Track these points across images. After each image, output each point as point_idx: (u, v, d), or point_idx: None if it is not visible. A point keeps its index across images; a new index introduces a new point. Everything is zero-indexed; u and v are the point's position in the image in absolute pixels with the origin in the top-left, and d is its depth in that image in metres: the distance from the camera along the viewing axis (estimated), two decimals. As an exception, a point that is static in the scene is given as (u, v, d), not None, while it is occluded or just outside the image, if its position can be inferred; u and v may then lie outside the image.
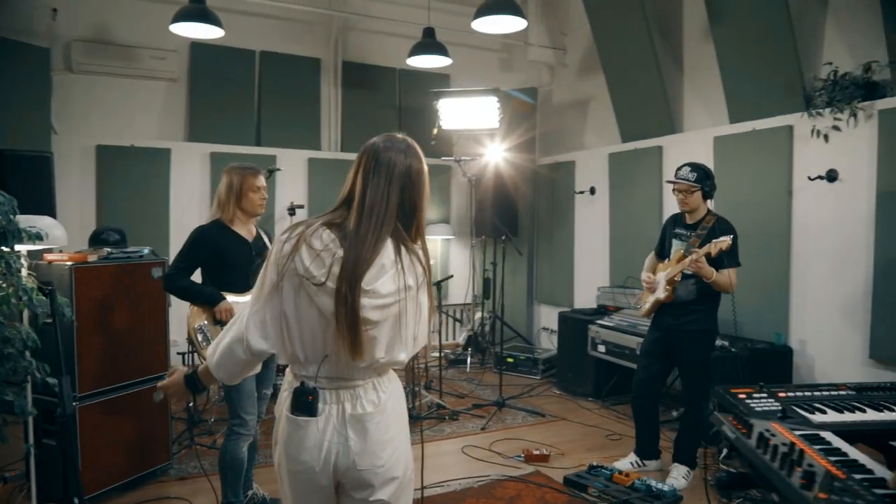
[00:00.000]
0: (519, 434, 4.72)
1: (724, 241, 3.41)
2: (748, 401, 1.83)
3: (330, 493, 1.74)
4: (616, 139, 6.38)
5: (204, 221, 3.27)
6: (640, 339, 4.86)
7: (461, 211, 7.53)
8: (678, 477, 3.78)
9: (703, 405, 3.80)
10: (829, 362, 4.48)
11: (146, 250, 3.86)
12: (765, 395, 1.86)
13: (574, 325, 5.76)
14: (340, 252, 1.61)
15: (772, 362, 4.54)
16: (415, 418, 4.79)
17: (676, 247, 3.85)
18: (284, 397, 1.75)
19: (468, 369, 6.62)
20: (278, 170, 5.55)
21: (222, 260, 3.15)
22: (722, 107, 5.32)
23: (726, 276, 3.57)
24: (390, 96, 7.21)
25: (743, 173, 5.03)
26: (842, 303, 4.40)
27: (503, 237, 6.64)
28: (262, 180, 3.27)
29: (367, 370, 1.70)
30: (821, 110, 4.48)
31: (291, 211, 5.91)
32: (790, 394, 1.94)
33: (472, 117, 6.37)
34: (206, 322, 3.12)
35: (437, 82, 7.25)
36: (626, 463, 4.01)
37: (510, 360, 6.46)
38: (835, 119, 4.40)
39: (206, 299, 3.11)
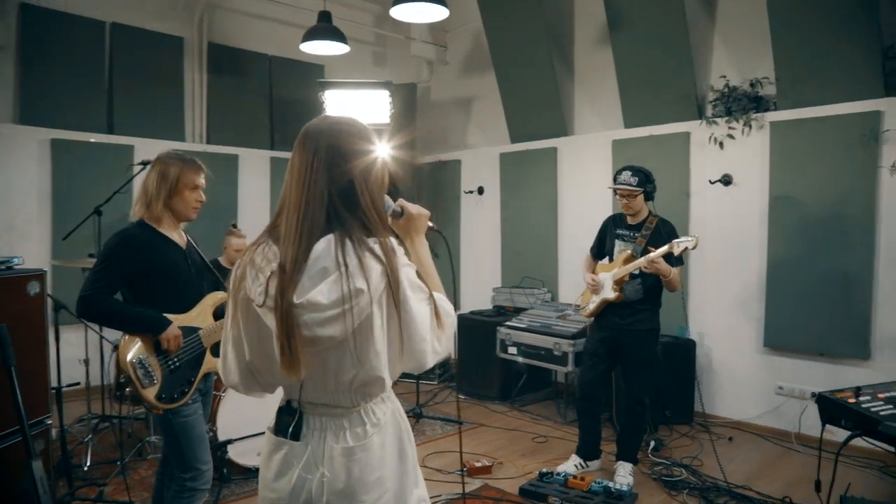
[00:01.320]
0: (445, 445, 4.49)
1: (692, 241, 3.49)
2: (867, 405, 1.80)
3: None
4: (505, 139, 6.40)
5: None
6: (556, 340, 4.92)
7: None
8: (626, 475, 3.82)
9: (647, 403, 3.88)
10: (727, 352, 4.84)
11: (17, 259, 3.03)
12: (868, 397, 1.86)
13: (477, 328, 5.66)
14: (275, 264, 1.32)
15: (678, 354, 4.80)
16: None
17: (621, 247, 3.88)
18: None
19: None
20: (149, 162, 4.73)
21: (156, 272, 2.50)
22: (616, 111, 5.54)
23: (677, 274, 3.67)
24: (262, 85, 6.55)
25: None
26: (738, 297, 4.78)
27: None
28: (202, 179, 2.68)
29: (353, 395, 1.40)
30: (716, 119, 4.83)
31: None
32: (889, 393, 1.94)
33: (360, 111, 5.99)
34: (145, 354, 2.47)
35: (311, 73, 6.75)
36: (571, 466, 3.97)
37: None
38: (729, 128, 4.77)
39: (147, 326, 2.47)
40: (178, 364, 2.53)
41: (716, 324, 4.90)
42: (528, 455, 4.33)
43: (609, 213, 5.50)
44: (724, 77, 4.82)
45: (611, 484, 3.62)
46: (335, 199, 1.37)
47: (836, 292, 4.28)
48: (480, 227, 6.58)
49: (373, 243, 1.35)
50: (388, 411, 1.48)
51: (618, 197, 3.86)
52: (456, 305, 6.32)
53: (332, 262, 1.31)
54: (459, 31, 6.86)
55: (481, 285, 6.44)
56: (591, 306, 3.93)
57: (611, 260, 3.97)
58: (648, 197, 3.81)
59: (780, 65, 4.49)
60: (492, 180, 6.44)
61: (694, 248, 3.53)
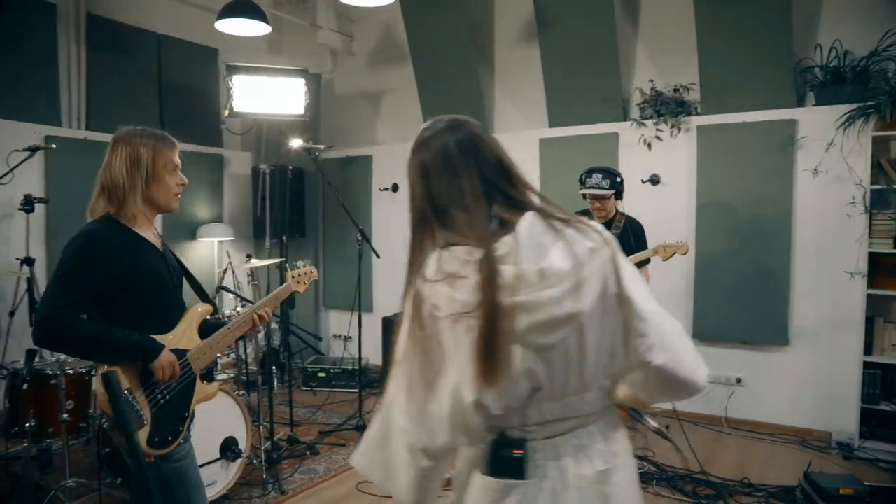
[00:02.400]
0: (398, 457, 4.24)
1: (683, 247, 3.57)
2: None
3: None
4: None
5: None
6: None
7: (236, 210, 6.49)
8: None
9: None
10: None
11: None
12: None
13: (404, 331, 5.43)
14: (479, 252, 1.16)
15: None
16: (275, 461, 3.93)
17: (589, 246, 3.88)
18: (471, 456, 1.26)
19: (276, 391, 5.72)
20: (51, 146, 3.99)
21: (133, 282, 2.00)
22: (540, 110, 5.59)
23: (647, 273, 3.75)
24: (149, 66, 5.78)
25: (570, 175, 5.35)
26: (668, 292, 5.01)
27: (284, 237, 5.95)
28: (177, 157, 2.23)
29: (599, 394, 1.23)
30: (645, 121, 5.04)
31: (29, 207, 4.29)
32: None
33: (273, 101, 5.51)
34: (129, 389, 2.00)
35: (203, 56, 6.13)
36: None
37: (322, 374, 5.80)
38: (657, 130, 4.99)
39: (135, 352, 1.96)
40: (167, 397, 2.07)
41: (647, 318, 5.10)
42: (487, 460, 4.21)
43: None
44: (652, 81, 5.04)
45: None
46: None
47: (757, 286, 4.64)
48: (396, 226, 6.33)
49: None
50: (618, 420, 1.30)
51: (588, 199, 3.85)
52: (370, 308, 6.03)
53: (542, 231, 1.17)
54: (368, 22, 6.56)
55: (397, 286, 6.19)
56: (560, 305, 3.90)
57: (574, 258, 3.96)
58: (618, 196, 3.85)
59: (705, 73, 4.78)
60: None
61: (684, 254, 3.62)
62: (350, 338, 6.43)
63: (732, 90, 4.70)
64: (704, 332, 4.85)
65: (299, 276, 2.86)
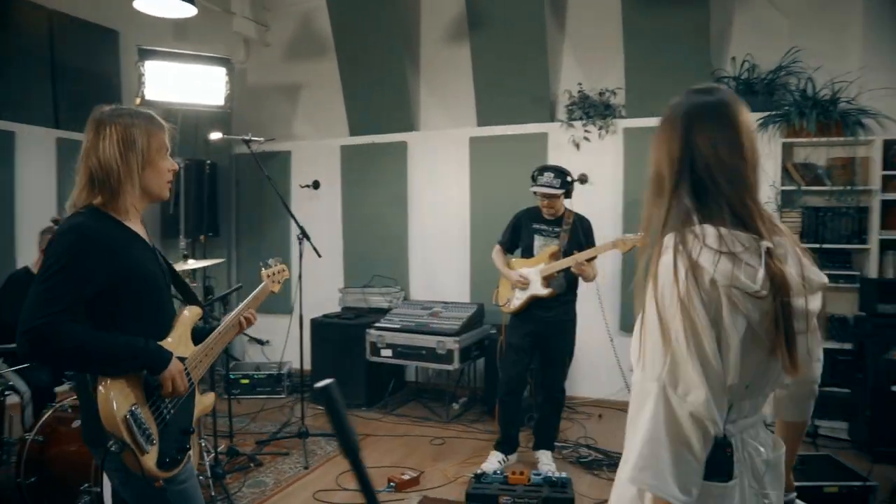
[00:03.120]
0: (347, 463, 4.09)
1: (637, 239, 3.71)
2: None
3: None
4: (343, 132, 6.06)
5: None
6: (439, 338, 4.83)
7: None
8: (549, 462, 3.93)
9: (564, 390, 4.04)
10: (589, 338, 5.26)
11: None
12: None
13: (333, 332, 5.27)
14: (765, 243, 1.18)
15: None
16: (220, 476, 3.66)
17: (542, 243, 3.97)
18: None
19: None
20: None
21: (128, 283, 1.79)
22: (468, 109, 5.64)
23: (596, 269, 3.88)
24: (40, 46, 5.17)
25: (500, 173, 5.46)
26: (597, 285, 5.22)
27: (201, 237, 5.62)
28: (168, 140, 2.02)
29: (766, 398, 1.34)
30: (573, 122, 5.23)
31: None
32: None
33: (190, 90, 5.13)
34: (136, 404, 1.77)
35: (103, 37, 5.58)
36: (494, 463, 3.94)
37: (245, 381, 5.48)
38: (585, 131, 5.20)
39: (142, 362, 1.75)
40: (171, 412, 1.87)
41: (580, 312, 5.29)
42: (440, 459, 4.18)
43: (467, 209, 5.63)
44: (580, 84, 5.24)
45: (549, 473, 3.68)
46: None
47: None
48: (317, 224, 6.09)
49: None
50: None
51: (538, 198, 3.92)
52: (287, 309, 5.80)
53: (791, 247, 1.24)
54: (284, 12, 6.29)
55: (320, 286, 5.99)
56: (517, 302, 3.94)
57: (526, 254, 4.03)
58: (567, 195, 3.95)
59: (631, 78, 5.05)
60: (330, 174, 6.05)
61: (643, 246, 3.76)
62: (268, 341, 6.13)
63: (655, 95, 4.94)
64: (632, 322, 5.10)
65: (273, 275, 2.70)
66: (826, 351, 1.43)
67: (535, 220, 4.02)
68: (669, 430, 1.12)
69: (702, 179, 1.23)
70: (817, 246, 4.37)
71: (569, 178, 3.90)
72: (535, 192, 3.94)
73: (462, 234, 5.65)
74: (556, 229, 3.94)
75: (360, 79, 5.83)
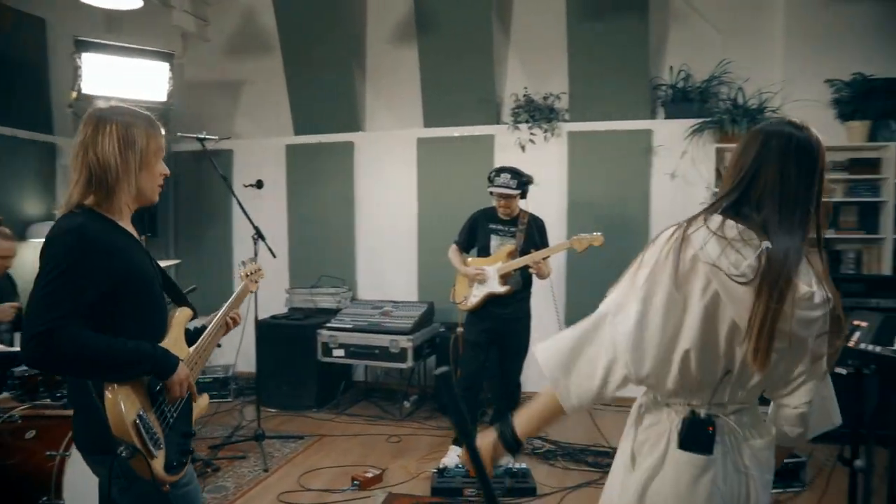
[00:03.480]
0: (307, 464, 4.09)
1: (598, 238, 3.88)
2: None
3: None
4: (287, 130, 5.98)
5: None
6: (392, 337, 4.88)
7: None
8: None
9: (520, 385, 4.18)
10: (534, 332, 5.44)
11: None
12: None
13: (282, 333, 5.22)
14: (766, 243, 1.30)
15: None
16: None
17: (498, 242, 4.09)
18: (653, 436, 1.43)
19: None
20: None
21: (128, 285, 1.75)
22: (414, 110, 5.70)
23: (550, 267, 4.04)
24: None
25: (447, 174, 5.56)
26: (544, 284, 5.41)
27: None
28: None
29: (755, 392, 1.43)
30: (519, 125, 5.39)
31: None
32: None
33: (130, 85, 4.94)
34: (142, 409, 1.75)
35: (28, 25, 5.29)
36: (454, 457, 4.03)
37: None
38: (531, 134, 5.37)
39: (150, 366, 1.73)
40: (174, 415, 1.87)
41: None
42: (399, 456, 4.23)
43: (415, 209, 5.69)
44: (526, 88, 5.40)
45: (509, 465, 3.81)
46: (813, 210, 1.36)
47: (619, 275, 5.20)
48: (262, 225, 5.93)
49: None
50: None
51: (495, 198, 4.04)
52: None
53: (808, 268, 1.33)
54: (225, 6, 6.13)
55: (265, 287, 5.85)
56: (475, 300, 4.05)
57: (483, 253, 4.14)
58: (523, 196, 4.09)
59: (574, 83, 5.26)
60: (275, 173, 5.95)
61: (600, 244, 3.94)
62: (220, 345, 5.95)
63: (598, 101, 5.22)
64: (576, 317, 5.20)
65: (251, 274, 2.71)
66: None
67: (491, 221, 4.14)
68: (590, 345, 1.42)
69: (763, 194, 1.38)
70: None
71: (524, 180, 4.04)
72: (491, 193, 4.05)
73: (410, 234, 5.70)
74: (512, 229, 4.07)
75: (306, 77, 5.78)
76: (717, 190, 4.84)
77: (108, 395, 1.68)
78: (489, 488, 0.98)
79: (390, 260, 5.78)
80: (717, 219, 1.35)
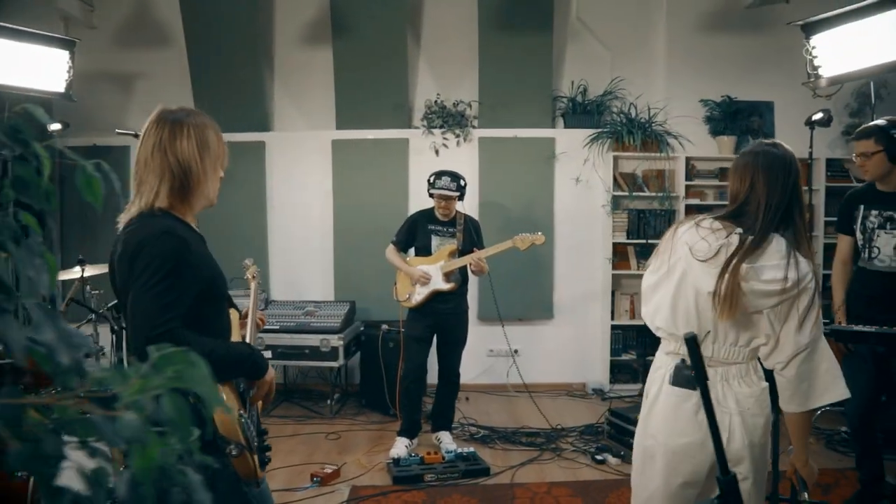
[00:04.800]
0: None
1: (540, 238, 4.22)
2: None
3: (700, 478, 1.89)
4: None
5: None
6: (323, 336, 4.94)
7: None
8: (450, 441, 4.31)
9: (459, 375, 4.44)
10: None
11: None
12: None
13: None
14: (735, 233, 1.85)
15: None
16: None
17: (439, 242, 4.32)
18: (657, 377, 1.99)
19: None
20: None
21: (211, 286, 1.80)
22: (327, 112, 5.75)
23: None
24: None
25: (363, 175, 5.67)
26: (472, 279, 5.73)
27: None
28: None
29: (746, 353, 1.89)
30: (433, 130, 5.65)
31: None
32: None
33: (22, 73, 4.50)
34: (240, 409, 1.79)
35: None
36: (402, 448, 4.20)
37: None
38: (444, 138, 5.66)
39: (248, 368, 1.81)
40: (254, 414, 1.94)
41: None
42: (343, 453, 4.31)
43: (330, 210, 5.76)
44: (439, 94, 5.68)
45: (459, 450, 4.07)
46: (789, 209, 1.85)
47: (528, 273, 5.65)
48: (164, 226, 5.72)
49: (802, 256, 1.82)
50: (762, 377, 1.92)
51: (435, 199, 4.28)
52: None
53: (781, 255, 1.79)
54: (112, -8, 5.75)
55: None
56: (419, 297, 4.24)
57: (423, 253, 4.35)
58: (460, 198, 4.35)
59: (484, 92, 5.62)
60: (178, 172, 5.68)
61: (541, 243, 4.30)
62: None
63: (505, 110, 5.63)
64: (487, 313, 5.68)
65: (256, 275, 2.76)
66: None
67: (430, 222, 4.37)
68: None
69: (751, 197, 1.90)
70: (643, 241, 5.37)
71: (462, 182, 4.32)
72: (432, 195, 4.29)
73: (325, 235, 5.74)
74: (451, 229, 4.33)
75: (212, 72, 5.59)
76: (615, 193, 5.46)
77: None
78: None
79: (305, 261, 5.77)
80: (707, 218, 1.93)
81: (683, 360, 1.86)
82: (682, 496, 1.90)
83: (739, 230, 1.83)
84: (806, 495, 1.93)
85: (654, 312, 1.97)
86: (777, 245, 1.81)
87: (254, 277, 2.65)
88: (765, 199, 1.84)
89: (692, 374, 1.68)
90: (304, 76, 5.80)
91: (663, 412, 1.91)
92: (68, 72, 4.69)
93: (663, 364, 1.96)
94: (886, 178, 3.19)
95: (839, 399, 1.86)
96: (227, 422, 1.70)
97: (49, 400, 0.59)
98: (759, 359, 1.90)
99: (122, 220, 1.83)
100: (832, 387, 1.83)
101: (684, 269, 1.87)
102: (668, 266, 1.93)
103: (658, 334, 2.01)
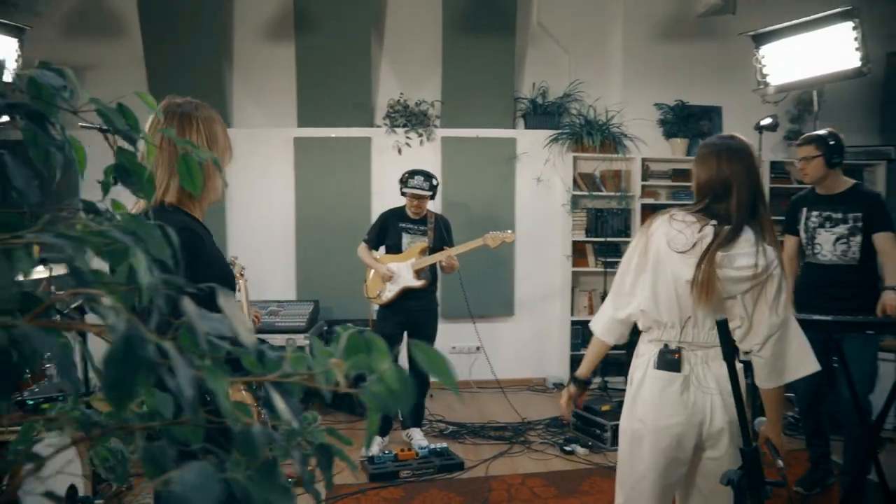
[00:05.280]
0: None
1: (510, 236, 4.30)
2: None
3: (687, 456, 2.02)
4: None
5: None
6: (288, 336, 4.86)
7: None
8: (422, 437, 4.36)
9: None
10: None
11: None
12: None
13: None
14: (709, 225, 1.97)
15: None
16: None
17: (410, 240, 4.35)
18: (641, 363, 2.11)
19: None
20: None
21: (229, 286, 1.84)
22: (287, 109, 5.70)
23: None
24: None
25: (326, 173, 5.65)
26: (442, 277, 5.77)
27: None
28: None
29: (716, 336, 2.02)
30: (396, 129, 5.68)
31: None
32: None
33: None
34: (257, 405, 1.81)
35: None
36: (376, 447, 4.22)
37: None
38: (407, 138, 5.70)
39: None
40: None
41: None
42: (315, 451, 4.29)
43: (292, 208, 5.72)
44: (402, 94, 5.71)
45: (431, 446, 4.12)
46: (755, 200, 1.98)
47: (489, 271, 5.76)
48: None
49: (768, 244, 1.96)
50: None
51: (408, 198, 4.31)
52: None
53: (750, 243, 1.93)
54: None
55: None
56: (390, 294, 4.27)
57: (394, 250, 4.38)
58: (433, 197, 4.40)
59: (447, 93, 5.69)
60: (132, 169, 5.51)
61: (511, 241, 4.38)
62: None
63: (467, 110, 5.72)
64: (449, 312, 5.75)
65: (241, 272, 2.74)
66: None
67: (401, 220, 4.40)
68: (606, 300, 2.18)
69: (722, 190, 2.00)
70: (602, 240, 5.56)
71: (435, 182, 4.37)
72: (404, 193, 4.32)
73: (287, 233, 5.68)
74: (422, 227, 4.38)
75: (169, 65, 5.43)
76: (575, 193, 5.63)
77: (232, 394, 1.71)
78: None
79: (266, 260, 5.68)
80: (681, 211, 2.04)
81: (666, 346, 1.97)
82: (671, 474, 2.01)
83: (714, 222, 1.96)
84: (780, 462, 2.05)
85: (641, 303, 2.05)
86: (746, 235, 1.95)
87: (241, 275, 2.63)
88: (737, 191, 1.96)
89: (675, 358, 1.97)
90: (265, 72, 5.72)
91: (650, 396, 2.00)
92: (17, 60, 4.48)
93: (647, 351, 2.07)
94: (823, 181, 3.47)
95: (812, 372, 2.00)
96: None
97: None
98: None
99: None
100: (804, 361, 1.99)
101: (663, 261, 1.98)
102: (647, 261, 2.03)
103: (643, 325, 2.08)
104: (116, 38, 5.53)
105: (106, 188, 0.91)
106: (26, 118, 0.74)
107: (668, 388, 1.97)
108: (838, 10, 4.21)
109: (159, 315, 0.59)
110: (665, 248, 1.97)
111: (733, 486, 1.35)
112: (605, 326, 2.15)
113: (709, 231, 1.94)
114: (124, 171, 0.87)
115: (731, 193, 1.96)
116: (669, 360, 1.97)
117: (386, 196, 5.61)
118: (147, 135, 0.85)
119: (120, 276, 0.65)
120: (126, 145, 0.79)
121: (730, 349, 1.32)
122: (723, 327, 1.31)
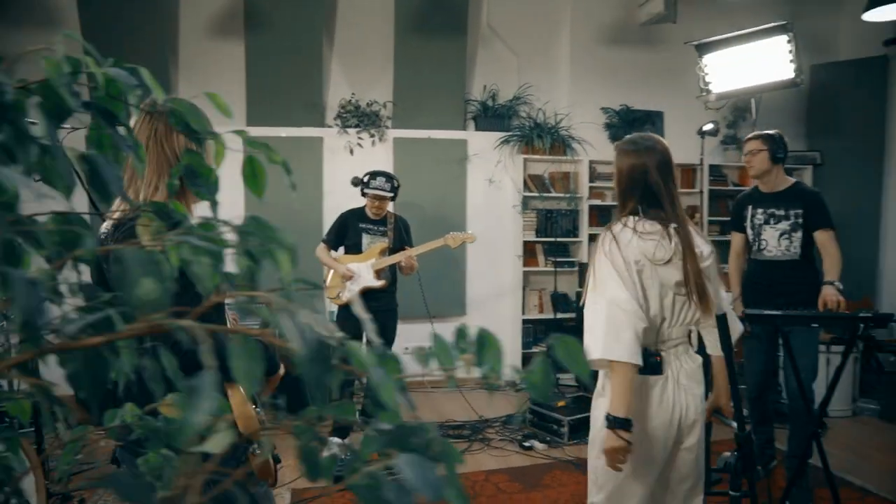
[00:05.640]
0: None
1: (471, 237, 4.33)
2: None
3: (669, 452, 2.10)
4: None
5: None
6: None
7: None
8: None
9: (388, 371, 4.49)
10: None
11: None
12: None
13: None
14: (671, 227, 2.03)
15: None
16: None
17: (370, 240, 4.34)
18: None
19: None
20: None
21: None
22: (237, 108, 5.57)
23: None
24: None
25: (274, 174, 5.51)
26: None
27: None
28: None
29: (685, 329, 2.13)
30: (348, 129, 5.65)
31: None
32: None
33: None
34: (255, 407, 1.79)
35: None
36: (334, 447, 4.18)
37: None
38: (359, 138, 5.67)
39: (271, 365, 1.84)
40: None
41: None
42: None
43: (241, 208, 5.59)
44: (354, 94, 5.68)
45: (394, 446, 4.13)
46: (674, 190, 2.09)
47: (441, 271, 5.80)
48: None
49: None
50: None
51: (369, 198, 4.30)
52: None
53: (696, 231, 2.09)
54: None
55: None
56: (349, 294, 4.25)
57: (354, 251, 4.37)
58: (394, 198, 4.41)
59: (399, 94, 5.70)
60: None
61: (472, 242, 4.42)
62: None
63: (419, 111, 5.74)
64: (403, 312, 5.75)
65: None
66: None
67: (361, 220, 4.39)
68: (613, 320, 1.90)
69: (648, 189, 2.06)
70: (551, 240, 5.70)
71: (396, 184, 4.38)
72: (365, 194, 4.31)
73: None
74: (382, 228, 4.38)
75: (111, 59, 5.21)
76: (525, 194, 5.75)
77: (233, 394, 1.68)
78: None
79: (214, 261, 5.54)
80: (632, 220, 2.04)
81: (647, 349, 1.98)
82: (650, 473, 2.10)
83: (674, 224, 2.03)
84: (735, 424, 2.18)
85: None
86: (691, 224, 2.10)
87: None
88: (667, 188, 2.05)
89: (657, 361, 2.02)
90: (212, 69, 5.57)
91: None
92: (-53, 53, 4.20)
93: None
94: (767, 175, 3.68)
95: (742, 332, 2.25)
96: (251, 422, 1.68)
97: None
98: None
99: (112, 216, 1.74)
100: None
101: (647, 270, 1.99)
102: (630, 273, 1.97)
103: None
104: (52, 30, 5.25)
105: (171, 189, 0.90)
106: (100, 117, 0.73)
107: (650, 392, 2.02)
108: (774, 24, 4.49)
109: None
110: (646, 260, 1.98)
111: (729, 470, 1.44)
112: (631, 348, 1.88)
113: (673, 233, 2.02)
114: (191, 173, 0.87)
115: (663, 191, 2.04)
116: (652, 364, 2.01)
117: (338, 196, 5.58)
118: (219, 136, 0.85)
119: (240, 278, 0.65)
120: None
121: (728, 341, 1.41)
122: (722, 321, 1.40)
